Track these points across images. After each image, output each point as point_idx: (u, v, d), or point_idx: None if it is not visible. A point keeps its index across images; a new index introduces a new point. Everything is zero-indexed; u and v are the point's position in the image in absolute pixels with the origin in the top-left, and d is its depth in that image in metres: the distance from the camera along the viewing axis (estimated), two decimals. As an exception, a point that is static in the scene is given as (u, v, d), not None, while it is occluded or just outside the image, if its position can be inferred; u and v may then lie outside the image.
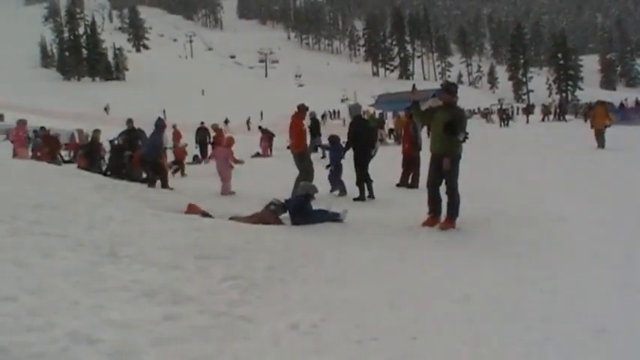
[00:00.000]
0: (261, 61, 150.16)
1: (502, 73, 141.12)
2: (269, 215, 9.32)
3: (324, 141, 16.91)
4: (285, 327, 4.41)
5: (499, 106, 67.08)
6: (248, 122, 64.04)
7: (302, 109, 13.22)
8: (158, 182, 14.17)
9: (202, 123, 29.40)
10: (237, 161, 13.15)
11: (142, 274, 5.04)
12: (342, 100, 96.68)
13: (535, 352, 4.05)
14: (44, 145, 22.60)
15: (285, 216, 9.50)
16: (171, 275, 5.18)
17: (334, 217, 9.39)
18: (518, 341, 4.21)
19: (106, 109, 76.15)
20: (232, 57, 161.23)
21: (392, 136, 34.64)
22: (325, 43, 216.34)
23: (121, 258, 5.42)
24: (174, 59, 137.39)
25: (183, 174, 20.35)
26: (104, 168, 18.38)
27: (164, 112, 69.92)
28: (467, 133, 8.60)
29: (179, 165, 20.76)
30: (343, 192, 12.96)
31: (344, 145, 12.87)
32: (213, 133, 26.33)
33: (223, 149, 12.32)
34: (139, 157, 15.43)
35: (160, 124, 15.21)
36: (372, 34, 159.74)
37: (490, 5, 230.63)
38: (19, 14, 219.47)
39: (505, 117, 52.47)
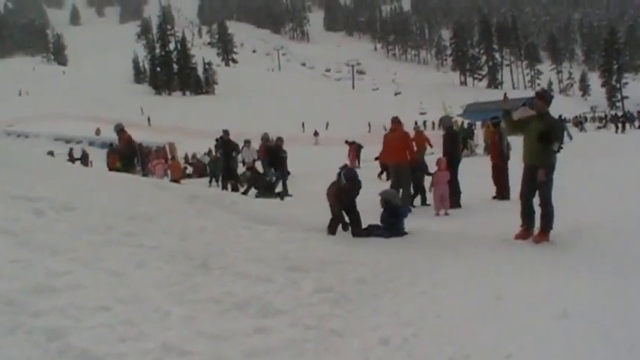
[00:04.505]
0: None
1: (594, 79, 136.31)
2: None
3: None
4: (376, 342, 4.34)
5: (618, 112, 64.01)
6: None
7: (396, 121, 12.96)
8: None
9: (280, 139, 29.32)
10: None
11: (233, 286, 5.06)
12: (421, 114, 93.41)
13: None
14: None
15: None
16: (262, 288, 5.18)
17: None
18: (620, 363, 3.99)
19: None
20: (325, 70, 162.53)
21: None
22: (412, 54, 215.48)
23: (212, 269, 5.47)
24: (262, 72, 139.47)
25: None
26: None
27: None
28: (561, 143, 8.33)
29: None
30: None
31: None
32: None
33: (444, 173, 12.27)
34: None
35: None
36: (460, 43, 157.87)
37: (581, 10, 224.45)
38: (114, 32, 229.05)
39: (622, 122, 50.05)
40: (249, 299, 4.77)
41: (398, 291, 5.72)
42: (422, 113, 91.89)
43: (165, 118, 76.47)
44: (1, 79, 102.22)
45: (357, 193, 9.48)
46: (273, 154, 19.17)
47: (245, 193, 17.03)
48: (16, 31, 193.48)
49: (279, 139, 20.45)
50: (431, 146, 20.25)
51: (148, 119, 75.86)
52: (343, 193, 9.32)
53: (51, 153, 34.68)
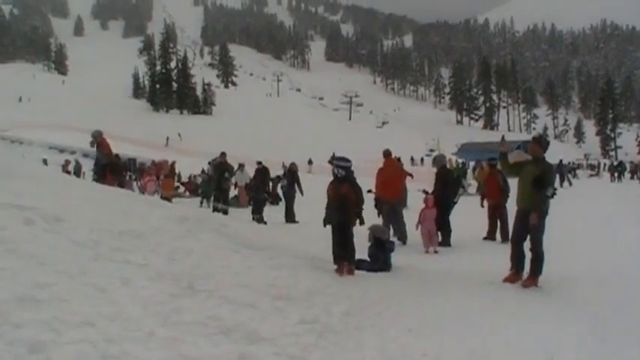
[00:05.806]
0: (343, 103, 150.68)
1: (589, 127, 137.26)
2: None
3: None
4: (359, 377, 4.30)
5: (614, 161, 64.47)
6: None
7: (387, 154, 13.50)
8: None
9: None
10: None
11: (218, 310, 5.02)
12: (428, 155, 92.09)
13: None
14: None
15: None
16: (248, 314, 5.15)
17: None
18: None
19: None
20: (318, 98, 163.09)
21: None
22: (410, 89, 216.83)
23: (199, 292, 5.43)
24: (260, 97, 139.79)
25: None
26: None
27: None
28: (555, 189, 8.36)
29: None
30: None
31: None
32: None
33: (432, 210, 12.27)
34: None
35: None
36: (458, 82, 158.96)
37: (580, 58, 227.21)
38: (117, 46, 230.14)
39: (618, 171, 50.09)
40: (234, 325, 4.73)
41: (383, 326, 5.69)
42: (428, 155, 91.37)
43: (162, 135, 76.63)
44: (1, 84, 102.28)
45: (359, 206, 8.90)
46: (290, 177, 19.41)
47: (259, 220, 17.09)
48: (18, 38, 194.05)
49: (293, 164, 20.53)
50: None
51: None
52: (339, 195, 8.79)
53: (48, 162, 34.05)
